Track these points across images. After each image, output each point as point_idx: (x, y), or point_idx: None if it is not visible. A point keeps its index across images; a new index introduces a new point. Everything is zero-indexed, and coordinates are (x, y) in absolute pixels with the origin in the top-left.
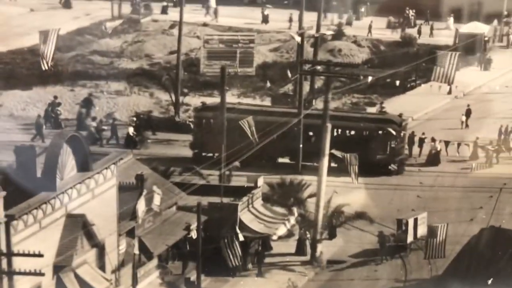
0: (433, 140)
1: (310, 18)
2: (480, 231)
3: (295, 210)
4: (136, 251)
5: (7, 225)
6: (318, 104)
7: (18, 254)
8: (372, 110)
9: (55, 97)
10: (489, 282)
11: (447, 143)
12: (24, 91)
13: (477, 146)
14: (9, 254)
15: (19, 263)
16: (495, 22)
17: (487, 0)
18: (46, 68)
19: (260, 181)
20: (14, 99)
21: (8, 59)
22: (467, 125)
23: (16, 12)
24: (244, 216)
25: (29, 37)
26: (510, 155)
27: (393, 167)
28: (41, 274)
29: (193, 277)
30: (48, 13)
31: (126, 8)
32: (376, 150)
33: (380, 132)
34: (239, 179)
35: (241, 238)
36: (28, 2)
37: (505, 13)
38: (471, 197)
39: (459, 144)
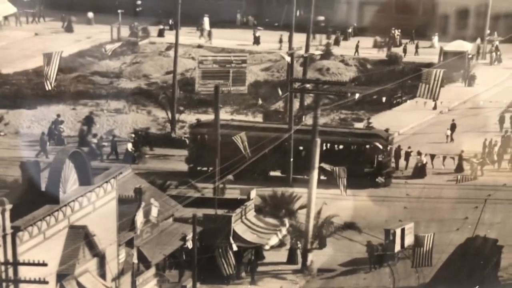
0: (419, 153)
1: (299, 39)
2: (465, 240)
3: (286, 221)
4: (135, 260)
5: (13, 236)
6: (308, 120)
7: (24, 264)
8: (359, 125)
9: (58, 116)
10: None
11: (432, 156)
12: (29, 110)
13: (462, 159)
14: (15, 264)
15: (24, 272)
16: (478, 40)
17: (471, 19)
18: (50, 88)
19: (253, 194)
20: (19, 118)
21: (15, 80)
22: (452, 139)
23: (22, 36)
24: (238, 227)
25: (34, 59)
26: (494, 168)
27: (380, 179)
28: (45, 282)
29: (189, 285)
30: (51, 37)
31: (125, 32)
32: (364, 163)
33: (367, 146)
34: (232, 192)
35: (234, 248)
36: (32, 27)
37: (488, 31)
38: (456, 208)
39: (444, 157)
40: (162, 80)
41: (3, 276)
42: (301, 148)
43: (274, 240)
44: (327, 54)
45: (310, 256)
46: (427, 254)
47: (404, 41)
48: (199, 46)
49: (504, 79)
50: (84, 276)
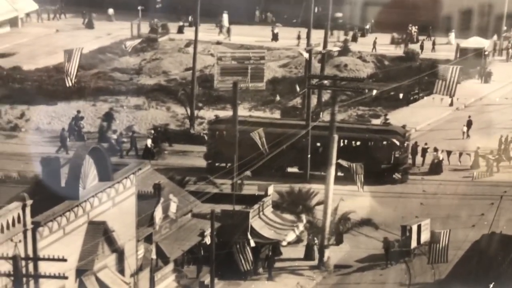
0: (435, 150)
1: (317, 35)
2: (481, 237)
3: (303, 217)
4: (154, 256)
5: (34, 232)
6: (325, 116)
7: (44, 259)
8: (376, 121)
9: (78, 112)
10: (491, 286)
11: (449, 152)
12: (50, 106)
13: (478, 155)
14: (35, 259)
15: (44, 267)
16: (495, 36)
17: (488, 16)
18: (70, 84)
19: (270, 190)
20: (40, 114)
21: (36, 77)
22: (468, 136)
23: (43, 32)
24: (255, 223)
25: (55, 56)
26: (510, 164)
27: (397, 175)
28: (64, 277)
29: (207, 280)
30: (72, 34)
31: (145, 28)
32: (381, 159)
33: (384, 142)
34: (250, 188)
35: (252, 243)
36: (54, 23)
37: (505, 28)
38: (472, 205)
39: (460, 154)
40: (181, 76)
41: (24, 271)
42: (318, 144)
43: (291, 236)
44: (344, 51)
45: (327, 252)
46: (443, 251)
47: (421, 37)
48: (218, 43)
49: None
50: (103, 271)
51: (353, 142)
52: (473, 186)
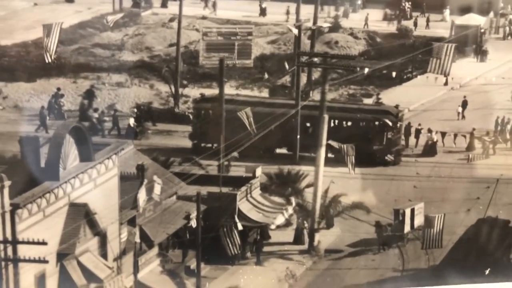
0: (429, 131)
1: (307, 10)
2: (477, 222)
3: (293, 200)
4: (137, 240)
5: (12, 214)
6: (315, 95)
7: (23, 242)
8: (368, 101)
9: (58, 89)
10: (486, 272)
11: (443, 134)
12: (28, 83)
13: (473, 137)
14: (14, 242)
15: (24, 251)
16: (491, 14)
17: None
18: (50, 60)
19: (258, 171)
20: (18, 91)
21: (13, 52)
22: (463, 116)
23: (21, 6)
24: (243, 205)
25: (33, 31)
26: (507, 146)
27: (389, 157)
28: (45, 261)
29: (193, 265)
30: (51, 7)
31: (127, 2)
32: (373, 140)
33: (376, 123)
34: (237, 169)
35: (240, 227)
36: None
37: (501, 5)
38: (468, 188)
39: (455, 135)
40: (165, 52)
41: (2, 254)
42: (308, 124)
43: (280, 220)
44: (335, 27)
45: (317, 236)
46: (437, 235)
47: (414, 14)
48: (204, 18)
49: None
50: (85, 255)
51: (344, 122)
52: (469, 168)
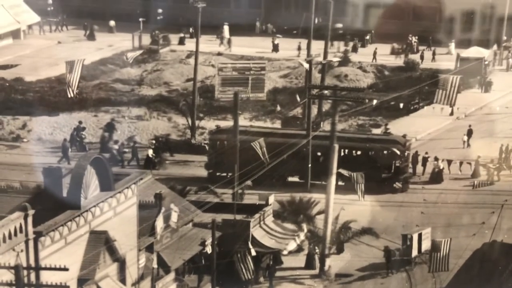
0: (436, 159)
1: (317, 46)
2: (482, 246)
3: (304, 226)
4: (155, 265)
5: (35, 241)
6: (326, 126)
7: (45, 268)
8: (377, 131)
9: (80, 122)
10: None
11: (449, 161)
12: (52, 116)
13: (478, 164)
14: (37, 268)
15: (46, 277)
16: (495, 46)
17: (487, 26)
18: (72, 95)
19: (271, 199)
20: (42, 124)
21: (38, 88)
22: (468, 145)
23: (45, 44)
24: (256, 232)
25: (57, 67)
26: (511, 173)
27: (397, 185)
28: (66, 287)
29: None
30: (74, 45)
31: (146, 40)
32: (382, 169)
33: (385, 152)
34: (251, 197)
35: (253, 253)
36: (55, 35)
37: (505, 37)
38: (473, 213)
39: (461, 163)
40: (182, 87)
41: (25, 280)
42: (319, 153)
43: (292, 245)
44: (345, 61)
45: (328, 261)
46: (444, 259)
47: (421, 47)
48: (219, 54)
49: None
50: (104, 280)
51: (354, 152)
52: (474, 195)
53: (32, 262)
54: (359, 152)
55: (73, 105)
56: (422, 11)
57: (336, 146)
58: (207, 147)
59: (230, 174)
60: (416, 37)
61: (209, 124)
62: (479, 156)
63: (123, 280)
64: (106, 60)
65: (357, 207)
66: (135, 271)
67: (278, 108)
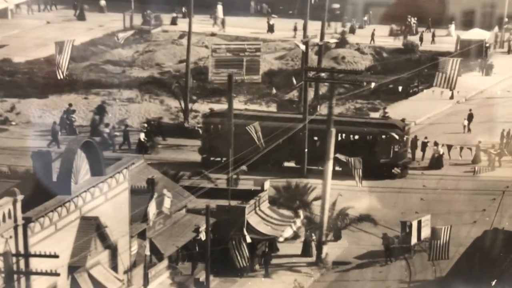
0: (435, 144)
1: (314, 27)
2: (483, 233)
3: (301, 212)
4: (147, 252)
5: (25, 227)
6: (323, 109)
7: (35, 255)
8: (375, 115)
9: (70, 105)
10: (493, 283)
11: (449, 147)
12: (41, 99)
13: (479, 149)
14: (26, 255)
15: (35, 264)
16: (496, 28)
17: (489, 7)
18: (62, 77)
19: (267, 185)
20: (31, 107)
21: (26, 69)
22: (469, 129)
23: (34, 24)
24: (251, 218)
25: (46, 48)
26: None
27: (396, 170)
28: (56, 274)
29: (202, 277)
30: (63, 25)
31: (138, 20)
32: (380, 154)
33: (383, 136)
34: (246, 183)
35: (248, 240)
36: (44, 15)
37: (506, 19)
38: (474, 200)
39: (461, 148)
40: (175, 69)
41: (15, 267)
42: (315, 138)
43: (288, 232)
44: (342, 43)
45: (325, 249)
46: (444, 247)
47: (420, 29)
48: (213, 34)
49: None
50: (95, 268)
51: (351, 136)
52: (475, 181)
53: (21, 248)
54: (356, 137)
55: (63, 87)
56: None
57: (333, 131)
58: (200, 131)
59: (224, 159)
60: (415, 18)
61: (203, 107)
62: (480, 141)
63: (114, 268)
64: (96, 40)
65: (354, 193)
66: (127, 258)
67: (274, 91)
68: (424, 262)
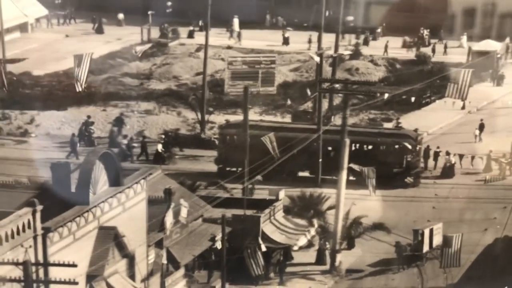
0: (447, 153)
1: (328, 39)
2: (494, 241)
3: (315, 221)
4: (164, 261)
5: (44, 237)
6: (337, 120)
7: (54, 264)
8: (388, 125)
9: (89, 117)
10: None
11: (461, 156)
12: (60, 111)
13: (490, 159)
14: (45, 264)
15: (54, 273)
16: (507, 39)
17: (500, 19)
18: (80, 89)
19: (282, 194)
20: (50, 119)
21: (45, 82)
22: (480, 139)
23: (53, 38)
24: (266, 227)
25: (65, 61)
26: None
27: (409, 179)
28: (75, 283)
29: (218, 285)
30: (82, 39)
31: (155, 33)
32: (393, 163)
33: (396, 146)
34: (261, 192)
35: (263, 248)
36: (63, 28)
37: None
38: (485, 208)
39: (473, 157)
40: (192, 81)
41: (34, 276)
42: (330, 148)
43: (302, 241)
44: (356, 54)
45: (339, 257)
46: (455, 255)
47: (432, 41)
48: (229, 47)
49: None
50: (113, 277)
51: (365, 146)
52: (486, 189)
53: (40, 258)
54: (370, 147)
55: (82, 100)
56: (434, 4)
57: (347, 141)
58: (216, 142)
59: (240, 169)
60: (428, 30)
61: (219, 118)
62: (491, 151)
63: (132, 276)
64: (114, 53)
65: (368, 202)
66: (145, 267)
67: (289, 102)
68: (435, 269)
